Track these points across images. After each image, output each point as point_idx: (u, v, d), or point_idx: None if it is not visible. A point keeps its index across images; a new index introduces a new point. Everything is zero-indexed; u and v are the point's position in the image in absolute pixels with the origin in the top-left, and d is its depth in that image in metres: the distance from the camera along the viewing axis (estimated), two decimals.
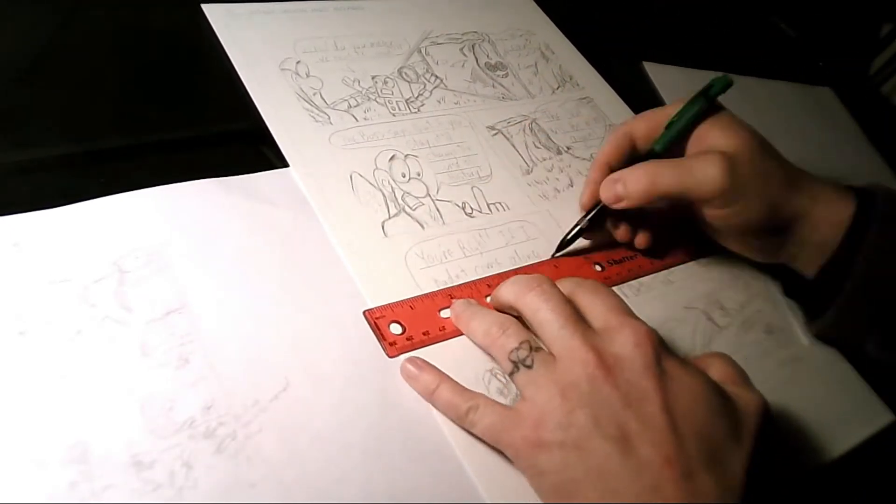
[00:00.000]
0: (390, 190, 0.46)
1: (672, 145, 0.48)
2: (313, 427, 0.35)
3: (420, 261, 0.43)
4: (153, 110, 0.46)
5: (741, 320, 0.50)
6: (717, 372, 0.38)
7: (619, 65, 0.66)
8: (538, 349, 0.36)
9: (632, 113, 0.61)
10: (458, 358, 0.40)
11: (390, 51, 0.55)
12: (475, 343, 0.40)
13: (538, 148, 0.54)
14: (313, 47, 0.52)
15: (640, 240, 0.49)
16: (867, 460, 0.46)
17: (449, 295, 0.42)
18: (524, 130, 0.55)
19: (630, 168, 0.46)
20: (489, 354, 0.39)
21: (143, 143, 0.45)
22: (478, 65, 0.58)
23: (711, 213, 0.46)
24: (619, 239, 0.49)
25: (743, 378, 0.38)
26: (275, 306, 0.38)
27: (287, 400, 0.35)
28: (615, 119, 0.60)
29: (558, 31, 0.66)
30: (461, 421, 0.36)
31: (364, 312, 0.40)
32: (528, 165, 0.53)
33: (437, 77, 0.55)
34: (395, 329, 0.39)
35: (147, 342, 0.35)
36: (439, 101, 0.54)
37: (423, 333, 0.40)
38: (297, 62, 0.51)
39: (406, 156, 0.49)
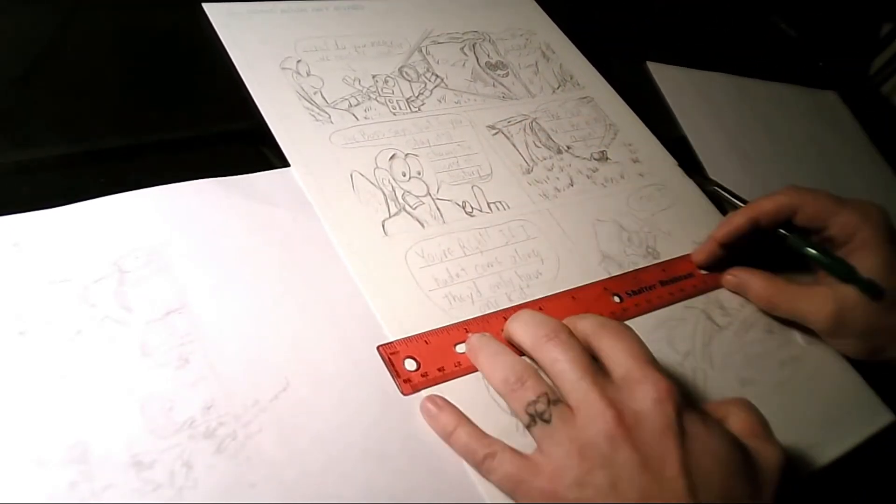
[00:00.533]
0: (391, 189, 0.46)
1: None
2: (313, 427, 0.35)
3: (420, 259, 0.43)
4: (153, 110, 0.46)
5: (741, 320, 0.49)
6: (737, 422, 0.37)
7: (619, 65, 0.66)
8: (556, 402, 0.35)
9: (633, 113, 0.61)
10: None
11: (391, 50, 0.55)
12: (490, 385, 0.39)
13: (538, 147, 0.54)
14: (314, 46, 0.52)
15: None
16: (867, 460, 0.46)
17: (464, 328, 0.41)
18: (524, 130, 0.55)
19: (757, 277, 0.50)
20: (505, 402, 0.38)
21: (143, 143, 0.45)
22: (478, 64, 0.58)
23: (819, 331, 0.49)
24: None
25: (764, 429, 0.37)
26: (275, 306, 0.38)
27: (287, 400, 0.35)
28: (615, 118, 0.60)
29: (559, 30, 0.66)
30: (477, 467, 0.36)
31: (378, 348, 0.39)
32: (529, 165, 0.53)
33: (437, 76, 0.55)
34: (410, 365, 0.39)
35: (147, 342, 0.35)
36: (440, 101, 0.54)
37: (439, 370, 0.39)
38: (298, 61, 0.51)
39: (406, 155, 0.49)
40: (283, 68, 0.50)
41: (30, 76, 0.45)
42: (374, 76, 0.53)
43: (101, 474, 0.30)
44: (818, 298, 0.48)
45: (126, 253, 0.37)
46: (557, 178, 0.53)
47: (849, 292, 0.47)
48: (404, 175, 0.47)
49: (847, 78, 0.82)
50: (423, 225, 0.45)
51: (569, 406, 0.35)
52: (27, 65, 0.45)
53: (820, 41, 0.84)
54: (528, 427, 0.36)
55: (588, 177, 0.54)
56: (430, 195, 0.47)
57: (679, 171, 0.58)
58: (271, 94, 0.48)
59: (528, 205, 0.50)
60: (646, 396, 0.34)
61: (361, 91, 0.51)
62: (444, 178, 0.49)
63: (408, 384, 0.38)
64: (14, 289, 0.34)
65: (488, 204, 0.48)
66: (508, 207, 0.49)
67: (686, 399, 0.35)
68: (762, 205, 0.50)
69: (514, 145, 0.53)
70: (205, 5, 0.51)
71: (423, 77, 0.55)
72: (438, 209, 0.47)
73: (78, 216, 0.38)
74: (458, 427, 0.36)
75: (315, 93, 0.49)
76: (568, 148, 0.55)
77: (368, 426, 0.36)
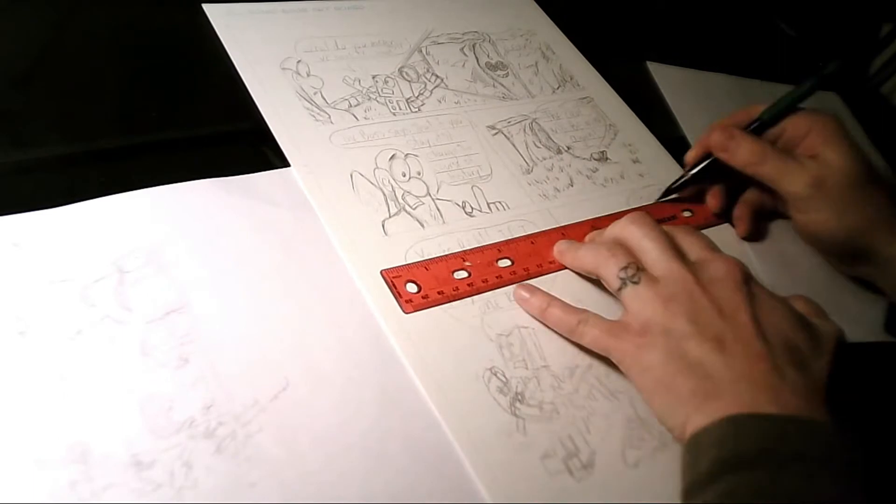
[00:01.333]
0: (391, 189, 0.46)
1: (778, 117, 0.53)
2: (313, 427, 0.35)
3: (420, 259, 0.43)
4: (153, 110, 0.46)
5: None
6: (799, 307, 0.42)
7: (619, 65, 0.66)
8: (643, 270, 0.41)
9: (632, 113, 0.61)
10: (462, 350, 0.40)
11: (391, 50, 0.55)
12: (582, 269, 0.45)
13: (538, 147, 0.54)
14: (314, 47, 0.52)
15: (715, 204, 0.55)
16: None
17: (461, 258, 0.44)
18: (524, 130, 0.55)
19: (748, 134, 0.52)
20: (598, 275, 0.43)
21: (143, 143, 0.45)
22: (478, 64, 0.58)
23: (792, 212, 0.52)
24: (709, 201, 0.55)
25: (822, 313, 0.43)
26: (275, 306, 0.38)
27: (287, 400, 0.35)
28: (615, 119, 0.60)
29: (559, 31, 0.66)
30: (572, 334, 0.41)
31: (381, 272, 0.42)
32: (529, 165, 0.53)
33: (437, 77, 0.55)
34: (412, 288, 0.41)
35: (147, 342, 0.35)
36: (440, 101, 0.54)
37: (438, 293, 0.42)
38: (298, 61, 0.51)
39: (406, 155, 0.49)
40: (284, 68, 0.50)
41: (30, 76, 0.45)
42: (374, 76, 0.53)
43: (101, 474, 0.30)
44: (797, 167, 0.50)
45: (126, 253, 0.37)
46: (557, 179, 0.53)
47: (825, 164, 0.49)
48: (404, 175, 0.47)
49: (847, 78, 0.82)
50: (422, 225, 0.45)
51: (654, 276, 0.41)
52: (27, 65, 0.46)
53: (820, 41, 0.83)
54: (618, 291, 0.41)
55: (588, 177, 0.54)
56: (429, 195, 0.47)
57: (679, 170, 0.58)
58: (271, 95, 0.48)
59: (527, 205, 0.50)
60: (718, 268, 0.41)
61: (361, 91, 0.51)
62: (444, 178, 0.49)
63: (409, 304, 0.41)
64: (14, 289, 0.34)
65: (488, 204, 0.48)
66: (508, 208, 0.49)
67: (752, 276, 0.42)
68: (733, 116, 0.55)
69: (513, 145, 0.53)
70: (205, 6, 0.51)
71: (423, 77, 0.55)
72: (438, 209, 0.47)
73: (78, 216, 0.38)
74: (550, 304, 0.42)
75: (315, 93, 0.49)
76: (568, 148, 0.55)
77: (368, 426, 0.36)
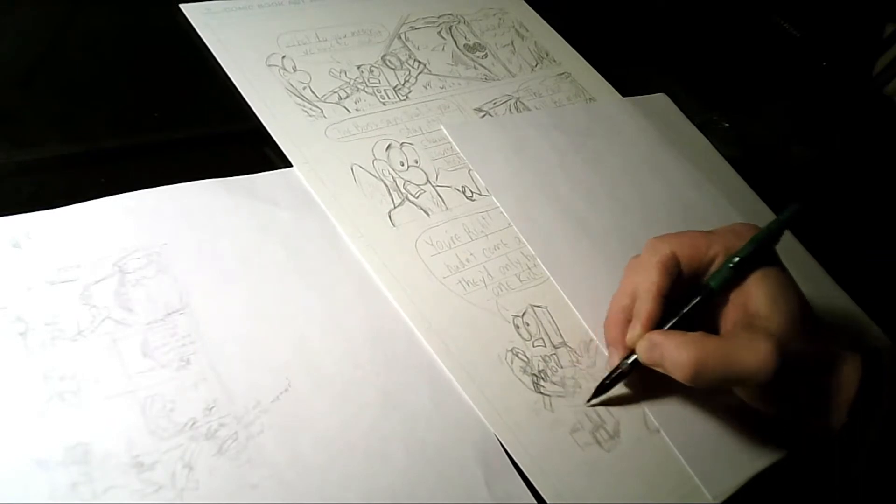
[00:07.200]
0: (391, 179, 0.46)
1: (730, 283, 0.40)
2: (315, 428, 0.35)
3: (430, 248, 0.44)
4: (155, 111, 0.46)
5: None
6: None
7: (621, 66, 0.64)
8: None
9: (609, 85, 0.62)
10: (482, 334, 0.41)
11: (371, 39, 0.55)
12: None
13: None
14: (296, 41, 0.52)
15: None
16: None
17: None
18: (510, 110, 0.55)
19: (673, 341, 0.38)
20: None
21: (145, 144, 0.44)
22: (457, 47, 0.58)
23: (750, 395, 0.40)
24: None
25: None
26: (276, 307, 0.38)
27: (289, 401, 0.35)
28: (594, 93, 0.60)
29: (529, 7, 0.66)
30: None
31: None
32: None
33: (420, 62, 0.55)
34: None
35: (148, 343, 0.35)
36: (426, 87, 0.54)
37: None
38: (283, 57, 0.50)
39: (402, 144, 0.49)
40: (270, 65, 0.49)
41: (30, 76, 0.44)
42: (358, 66, 0.52)
43: (102, 475, 0.31)
44: (753, 350, 0.37)
45: (127, 253, 0.37)
46: None
47: (779, 317, 0.39)
48: (402, 164, 0.48)
49: (851, 78, 0.82)
50: (427, 213, 0.45)
51: None
52: (28, 65, 0.45)
53: (824, 41, 0.83)
54: None
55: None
56: (429, 182, 0.47)
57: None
58: (262, 93, 0.47)
59: None
60: None
61: (349, 83, 0.51)
62: (441, 164, 0.49)
63: None
64: (15, 289, 0.34)
65: (486, 187, 0.49)
66: None
67: None
68: (650, 280, 0.40)
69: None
70: (182, 6, 0.50)
71: (406, 64, 0.55)
72: (440, 196, 0.47)
73: (79, 216, 0.38)
74: None
75: (304, 88, 0.49)
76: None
77: (370, 427, 0.36)
